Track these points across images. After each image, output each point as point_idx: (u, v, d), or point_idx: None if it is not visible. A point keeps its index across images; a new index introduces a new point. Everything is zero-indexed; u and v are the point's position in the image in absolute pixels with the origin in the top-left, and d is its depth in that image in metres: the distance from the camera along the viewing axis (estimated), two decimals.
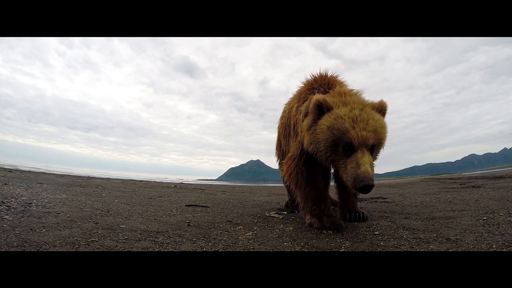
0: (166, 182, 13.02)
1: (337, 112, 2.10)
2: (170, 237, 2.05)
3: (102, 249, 1.66)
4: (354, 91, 2.42)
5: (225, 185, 14.44)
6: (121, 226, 2.28)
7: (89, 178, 10.03)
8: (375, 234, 2.09)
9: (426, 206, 3.34)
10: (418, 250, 1.64)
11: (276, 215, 3.19)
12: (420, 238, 1.88)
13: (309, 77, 2.80)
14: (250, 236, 2.15)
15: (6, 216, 2.21)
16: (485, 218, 2.27)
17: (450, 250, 1.56)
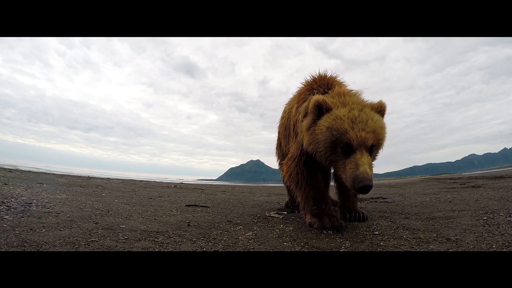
0: (166, 182, 13.02)
1: (336, 113, 2.11)
2: (170, 237, 2.05)
3: (102, 249, 1.66)
4: (353, 91, 2.43)
5: (225, 185, 14.44)
6: (121, 226, 2.28)
7: (89, 178, 10.03)
8: (375, 234, 2.09)
9: (426, 206, 3.34)
10: (418, 250, 1.64)
11: (276, 215, 3.19)
12: (420, 238, 1.88)
13: (308, 78, 2.82)
14: (250, 236, 2.15)
15: (6, 216, 2.21)
16: (485, 218, 2.27)
17: (450, 250, 1.56)
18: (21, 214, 2.34)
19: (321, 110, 2.18)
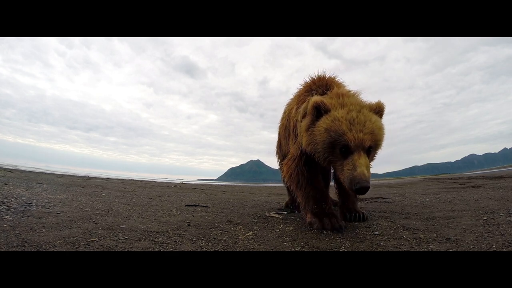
0: (166, 182, 13.02)
1: (334, 114, 2.13)
2: (170, 237, 2.05)
3: (102, 249, 1.66)
4: (352, 92, 2.44)
5: (225, 185, 14.45)
6: (121, 226, 2.28)
7: (89, 178, 10.04)
8: (375, 234, 2.09)
9: (426, 206, 3.34)
10: (418, 250, 1.64)
11: (276, 215, 3.19)
12: (420, 238, 1.88)
13: (307, 79, 2.85)
14: (250, 236, 2.15)
15: (6, 216, 2.21)
16: (485, 218, 2.27)
17: (450, 250, 1.56)
18: (21, 214, 2.34)
19: (319, 111, 2.19)
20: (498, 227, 1.94)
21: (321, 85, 2.65)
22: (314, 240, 2.00)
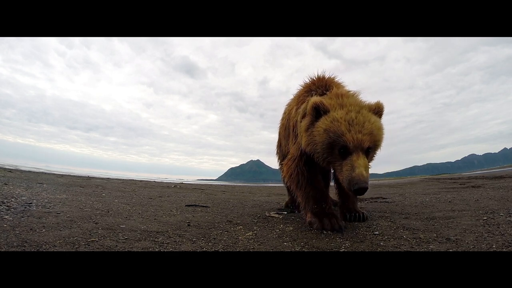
0: (166, 182, 13.02)
1: (333, 115, 2.14)
2: (170, 237, 2.05)
3: (102, 249, 1.66)
4: (351, 92, 2.44)
5: (225, 185, 14.45)
6: (121, 226, 2.28)
7: (89, 178, 10.04)
8: (375, 234, 2.09)
9: (426, 206, 3.34)
10: (418, 250, 1.64)
11: (276, 215, 3.19)
12: (420, 238, 1.88)
13: (307, 80, 2.86)
14: (250, 236, 2.15)
15: (6, 216, 2.21)
16: (485, 218, 2.27)
17: (450, 250, 1.56)
18: (21, 214, 2.34)
19: (318, 112, 2.21)
20: (498, 227, 1.94)
21: (320, 86, 2.66)
22: (314, 240, 2.00)
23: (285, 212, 3.42)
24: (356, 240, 1.96)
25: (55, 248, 1.61)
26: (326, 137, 2.11)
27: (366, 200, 4.43)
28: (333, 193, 3.11)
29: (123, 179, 11.66)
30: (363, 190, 1.91)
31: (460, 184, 6.69)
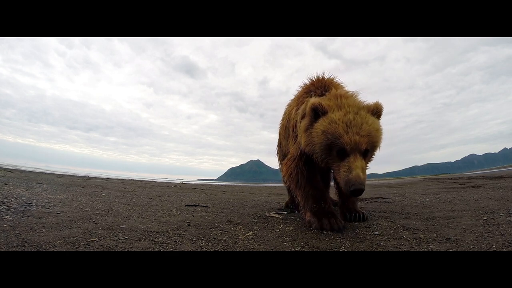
0: (166, 182, 13.02)
1: (331, 116, 2.15)
2: (170, 237, 2.05)
3: (102, 249, 1.66)
4: (350, 93, 2.45)
5: (225, 185, 14.45)
6: (121, 226, 2.28)
7: (89, 178, 10.04)
8: (375, 234, 2.09)
9: (426, 206, 3.34)
10: (418, 250, 1.64)
11: (276, 215, 3.19)
12: (420, 238, 1.88)
13: (306, 81, 2.88)
14: (250, 236, 2.15)
15: (6, 216, 2.21)
16: (485, 218, 2.27)
17: (450, 250, 1.56)
18: (21, 214, 2.34)
19: (317, 113, 2.22)
20: (498, 227, 1.94)
21: (320, 87, 2.67)
22: (314, 240, 2.00)
23: (285, 212, 3.42)
24: (356, 240, 1.96)
25: (55, 248, 1.61)
26: (324, 139, 2.13)
27: (366, 200, 4.43)
28: (333, 193, 3.11)
29: (123, 179, 11.66)
30: (359, 191, 1.94)
31: (460, 184, 6.70)
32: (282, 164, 3.12)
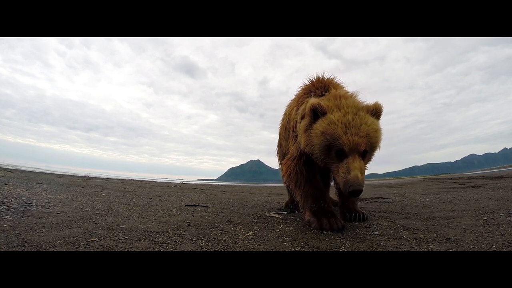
0: (166, 182, 13.02)
1: (330, 117, 2.16)
2: (170, 237, 2.05)
3: (102, 249, 1.66)
4: (349, 93, 2.45)
5: (225, 185, 14.45)
6: (121, 226, 2.28)
7: (89, 178, 10.04)
8: (375, 234, 2.09)
9: (426, 206, 3.34)
10: (418, 250, 1.64)
11: (276, 215, 3.19)
12: (420, 238, 1.88)
13: (306, 81, 2.89)
14: (250, 236, 2.15)
15: (6, 216, 2.21)
16: (485, 218, 2.27)
17: (450, 250, 1.56)
18: (21, 214, 2.34)
19: (316, 113, 2.23)
20: (498, 227, 1.94)
21: (319, 87, 2.68)
22: (314, 240, 2.00)
23: (285, 212, 3.42)
24: (356, 240, 1.96)
25: (55, 248, 1.61)
26: (323, 140, 2.13)
27: (366, 200, 4.43)
28: (333, 193, 3.11)
29: (123, 179, 11.67)
30: (358, 192, 1.95)
31: (460, 184, 6.70)
32: (282, 163, 3.12)
